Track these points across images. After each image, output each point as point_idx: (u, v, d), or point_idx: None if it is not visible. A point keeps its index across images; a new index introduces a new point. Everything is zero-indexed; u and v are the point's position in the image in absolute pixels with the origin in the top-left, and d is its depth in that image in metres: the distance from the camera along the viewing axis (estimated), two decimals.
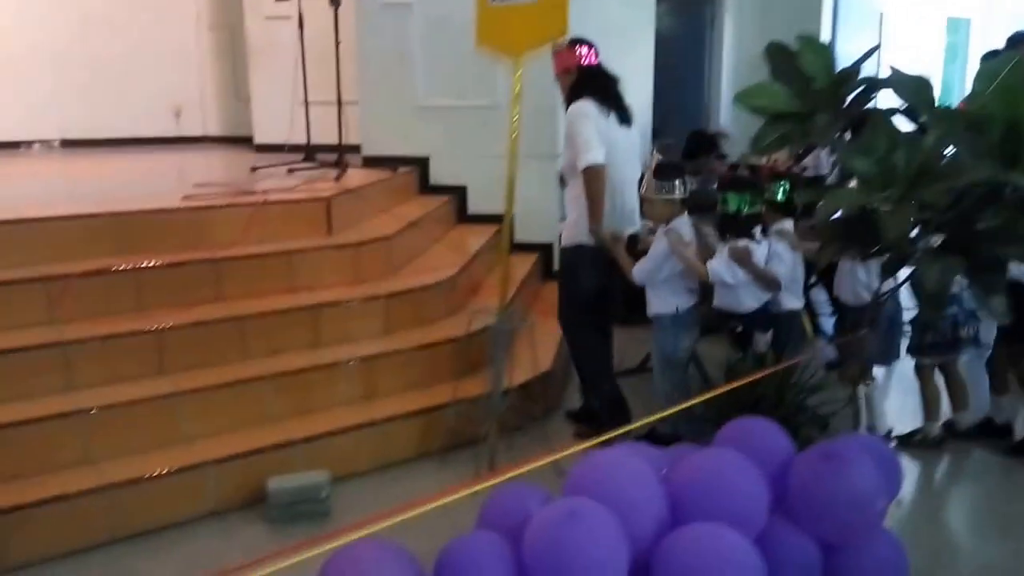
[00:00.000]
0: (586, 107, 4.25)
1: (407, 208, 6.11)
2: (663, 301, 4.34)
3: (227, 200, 5.02)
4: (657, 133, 7.09)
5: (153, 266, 4.38)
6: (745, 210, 4.19)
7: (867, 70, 3.69)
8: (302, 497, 3.80)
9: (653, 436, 4.30)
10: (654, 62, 7.86)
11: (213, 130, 9.14)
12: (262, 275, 4.68)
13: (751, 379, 3.40)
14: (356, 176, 6.13)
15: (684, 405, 3.30)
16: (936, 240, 3.20)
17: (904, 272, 3.38)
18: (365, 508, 3.89)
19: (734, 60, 8.60)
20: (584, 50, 4.39)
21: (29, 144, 8.50)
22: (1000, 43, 5.54)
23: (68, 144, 8.54)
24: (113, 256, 4.41)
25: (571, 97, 4.38)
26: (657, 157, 4.35)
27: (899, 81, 3.36)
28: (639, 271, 4.31)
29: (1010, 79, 3.08)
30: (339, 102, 6.09)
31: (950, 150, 3.16)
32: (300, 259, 4.81)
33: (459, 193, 6.90)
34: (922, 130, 3.29)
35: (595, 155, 4.16)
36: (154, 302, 4.34)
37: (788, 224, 4.36)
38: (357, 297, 4.74)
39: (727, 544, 2.45)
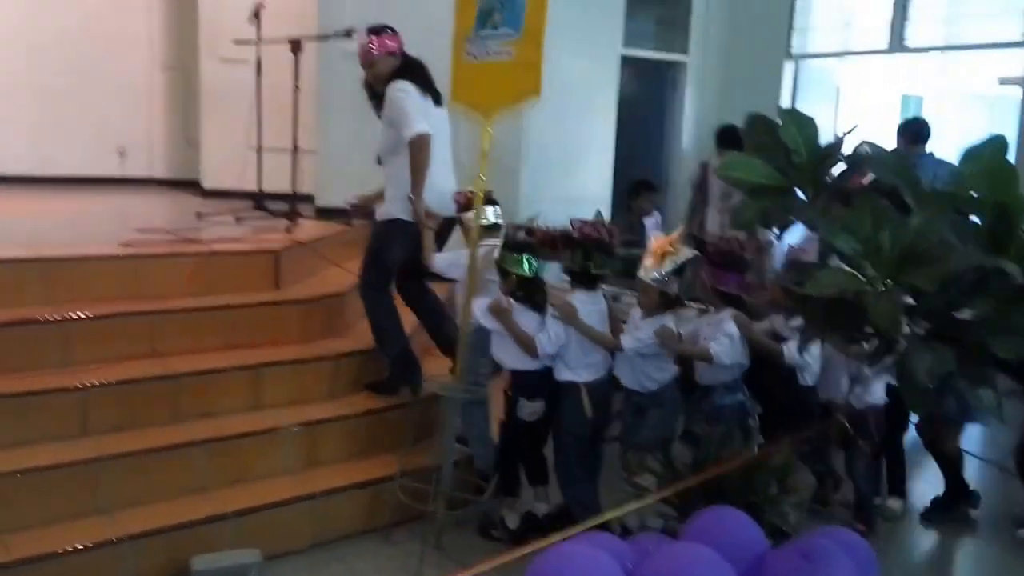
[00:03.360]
0: (406, 85, 4.29)
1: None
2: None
3: (169, 248, 4.74)
4: (618, 189, 7.16)
5: (83, 317, 4.07)
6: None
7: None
8: None
9: None
10: (616, 122, 8.09)
11: (159, 172, 8.88)
12: (201, 330, 4.38)
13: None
14: (308, 228, 5.87)
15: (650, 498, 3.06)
16: (920, 328, 2.96)
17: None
18: None
19: (693, 125, 8.82)
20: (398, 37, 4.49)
21: None
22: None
23: (8, 180, 8.18)
24: (41, 305, 4.10)
25: (391, 80, 4.36)
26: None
27: (879, 158, 3.22)
28: (440, 258, 4.33)
29: (995, 162, 2.95)
30: (295, 149, 5.87)
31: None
32: (243, 314, 4.53)
33: None
34: (903, 210, 3.06)
35: (422, 125, 4.17)
36: (82, 357, 4.03)
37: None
38: (303, 357, 4.47)
39: None
